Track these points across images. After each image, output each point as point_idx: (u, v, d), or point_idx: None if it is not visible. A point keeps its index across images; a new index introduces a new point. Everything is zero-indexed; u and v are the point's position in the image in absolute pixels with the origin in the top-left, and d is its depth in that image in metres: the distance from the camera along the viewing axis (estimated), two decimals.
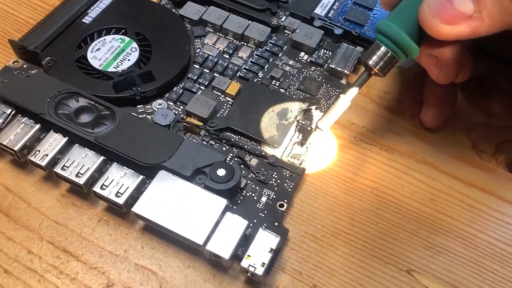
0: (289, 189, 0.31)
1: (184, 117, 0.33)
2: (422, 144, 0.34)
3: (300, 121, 0.34)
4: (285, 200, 0.30)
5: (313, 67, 0.37)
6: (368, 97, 0.36)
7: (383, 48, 0.28)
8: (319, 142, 0.33)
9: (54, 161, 0.30)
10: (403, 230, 0.30)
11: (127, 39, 0.36)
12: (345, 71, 0.36)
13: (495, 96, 0.37)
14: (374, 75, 0.29)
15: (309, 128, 0.33)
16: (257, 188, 0.31)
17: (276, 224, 0.29)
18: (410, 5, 0.27)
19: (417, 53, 0.28)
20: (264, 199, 0.30)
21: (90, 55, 0.35)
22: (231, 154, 0.32)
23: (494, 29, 0.25)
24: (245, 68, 0.36)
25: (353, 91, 0.30)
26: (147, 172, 0.29)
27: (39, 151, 0.30)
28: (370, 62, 0.29)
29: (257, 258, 0.27)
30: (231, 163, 0.30)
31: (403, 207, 0.31)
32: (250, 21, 0.38)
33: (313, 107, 0.34)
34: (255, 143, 0.33)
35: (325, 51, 0.38)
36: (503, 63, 0.38)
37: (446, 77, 0.29)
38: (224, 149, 0.32)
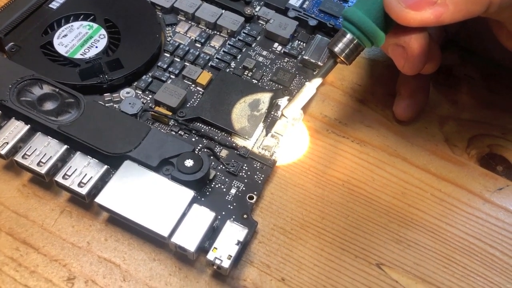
0: (259, 181, 0.30)
1: (153, 106, 0.32)
2: (394, 137, 0.34)
3: (272, 113, 0.33)
4: (255, 192, 0.30)
5: (286, 58, 0.36)
6: (341, 89, 0.36)
7: (348, 35, 0.28)
8: (291, 134, 0.32)
9: (15, 150, 0.29)
10: (374, 224, 0.30)
11: (95, 25, 0.35)
12: (319, 62, 0.35)
13: (468, 90, 0.37)
14: (340, 63, 0.29)
15: (281, 120, 0.33)
16: (227, 179, 0.30)
17: (245, 216, 0.29)
18: None
19: (382, 41, 0.28)
20: (233, 191, 0.30)
21: (56, 42, 0.34)
22: (200, 145, 0.31)
23: (458, 17, 0.25)
24: (217, 58, 0.35)
25: (318, 79, 0.29)
26: (112, 162, 0.28)
27: None
28: (336, 50, 0.28)
29: (223, 250, 0.26)
30: (199, 154, 0.29)
31: (374, 200, 0.31)
32: (223, 10, 0.37)
33: (285, 98, 0.34)
34: (225, 134, 0.32)
35: (299, 42, 0.37)
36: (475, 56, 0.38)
37: (412, 67, 0.29)
38: (193, 139, 0.32)
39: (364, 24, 0.27)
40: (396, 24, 0.26)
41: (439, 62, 0.31)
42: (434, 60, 0.30)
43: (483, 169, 0.33)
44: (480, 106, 0.36)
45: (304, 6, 0.39)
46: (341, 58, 0.28)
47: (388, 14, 0.26)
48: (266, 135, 0.32)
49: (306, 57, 0.36)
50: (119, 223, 0.28)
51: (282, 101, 0.33)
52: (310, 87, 0.30)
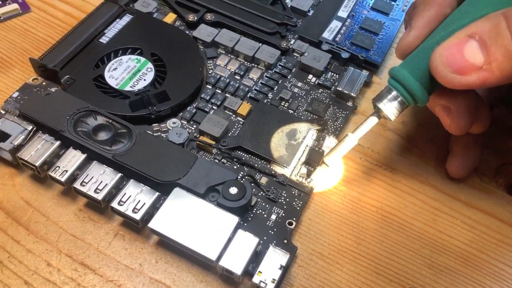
0: (298, 208, 0.32)
1: (197, 136, 0.34)
2: (425, 166, 0.36)
3: (308, 144, 0.35)
4: (294, 218, 0.32)
5: (320, 89, 0.38)
6: None
7: (394, 93, 0.29)
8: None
9: (73, 177, 0.31)
10: (407, 249, 0.32)
11: (142, 59, 0.37)
12: (352, 93, 0.37)
13: (495, 119, 0.38)
14: (383, 118, 0.30)
15: (317, 149, 0.35)
16: (267, 206, 0.32)
17: (285, 241, 0.30)
18: (422, 53, 0.28)
19: (426, 101, 0.28)
20: (273, 217, 0.32)
21: (107, 74, 0.36)
22: (242, 173, 0.33)
23: (503, 81, 0.25)
24: (255, 89, 0.38)
25: (361, 132, 0.31)
26: (163, 189, 0.31)
27: (58, 167, 0.31)
28: (380, 105, 0.29)
29: (267, 274, 0.28)
30: (242, 182, 0.31)
31: (406, 226, 0.33)
32: (261, 44, 0.40)
33: (319, 128, 0.36)
34: (265, 162, 0.34)
35: (332, 74, 0.39)
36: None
37: (458, 128, 0.30)
38: (235, 167, 0.34)
39: (408, 83, 0.28)
40: (442, 85, 0.27)
41: (488, 122, 0.31)
42: (482, 121, 0.31)
43: (511, 197, 0.35)
44: (506, 135, 0.38)
45: (337, 39, 0.41)
46: (385, 113, 0.30)
47: (434, 77, 0.27)
48: (305, 163, 0.34)
49: (340, 88, 0.38)
50: (168, 246, 0.30)
51: (322, 135, 0.35)
52: (352, 138, 0.31)
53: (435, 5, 0.30)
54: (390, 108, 0.29)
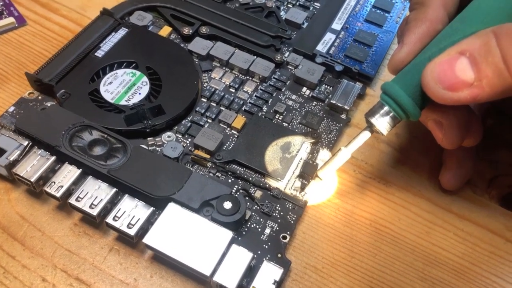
0: (292, 221, 0.32)
1: (192, 150, 0.35)
2: (418, 178, 0.36)
3: (302, 157, 0.35)
4: (288, 232, 0.32)
5: (314, 102, 0.39)
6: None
7: (386, 108, 0.29)
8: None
9: (69, 192, 0.31)
10: (400, 262, 0.32)
11: (138, 73, 0.38)
12: (345, 106, 0.38)
13: (488, 132, 0.39)
14: (375, 132, 0.30)
15: (311, 162, 0.35)
16: (261, 220, 0.32)
17: (279, 255, 0.31)
18: (414, 69, 0.28)
19: (418, 116, 0.29)
20: (268, 230, 0.32)
21: (102, 89, 0.36)
22: (236, 186, 0.34)
23: (494, 97, 0.26)
24: (250, 102, 0.38)
25: (354, 146, 0.31)
26: (157, 204, 0.31)
27: (54, 182, 0.31)
28: (372, 120, 0.30)
29: None
30: (236, 196, 0.31)
31: (400, 239, 0.33)
32: (255, 57, 0.40)
33: (313, 141, 0.36)
34: (259, 176, 0.34)
35: (326, 86, 0.40)
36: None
37: (450, 142, 0.30)
38: (229, 181, 0.34)
39: (400, 99, 0.28)
40: (433, 100, 0.27)
41: (480, 136, 0.32)
42: (474, 135, 0.31)
43: (503, 209, 0.35)
44: (499, 147, 0.38)
45: (331, 51, 0.41)
46: (377, 128, 0.30)
47: (426, 92, 0.27)
48: (299, 177, 0.34)
49: (333, 101, 0.38)
50: (163, 260, 0.30)
51: (316, 147, 0.36)
52: (345, 152, 0.31)
53: (427, 21, 0.30)
54: (383, 123, 0.30)
